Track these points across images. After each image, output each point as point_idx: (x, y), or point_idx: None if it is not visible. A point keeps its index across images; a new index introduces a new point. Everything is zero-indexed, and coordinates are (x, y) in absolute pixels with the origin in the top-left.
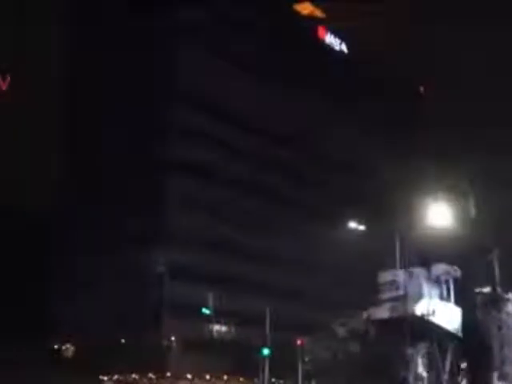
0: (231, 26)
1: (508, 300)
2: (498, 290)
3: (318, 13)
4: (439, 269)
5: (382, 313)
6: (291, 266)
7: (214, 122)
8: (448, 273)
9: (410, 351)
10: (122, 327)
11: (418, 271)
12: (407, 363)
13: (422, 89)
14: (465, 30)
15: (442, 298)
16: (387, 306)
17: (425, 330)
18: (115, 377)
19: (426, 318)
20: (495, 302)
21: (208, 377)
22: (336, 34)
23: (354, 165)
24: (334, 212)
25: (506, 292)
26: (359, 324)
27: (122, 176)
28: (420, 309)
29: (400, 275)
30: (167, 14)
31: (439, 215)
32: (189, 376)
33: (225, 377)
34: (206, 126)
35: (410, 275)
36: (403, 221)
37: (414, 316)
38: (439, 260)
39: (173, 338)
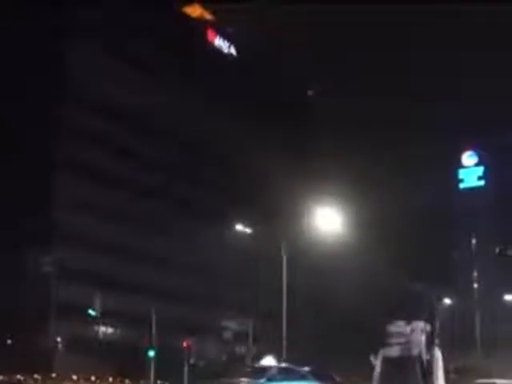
0: (123, 26)
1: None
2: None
3: (207, 15)
4: (419, 325)
5: (393, 352)
6: (179, 267)
7: (106, 122)
8: (423, 330)
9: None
10: (7, 328)
11: (415, 324)
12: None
13: (310, 92)
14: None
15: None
16: (396, 348)
17: (421, 365)
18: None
19: (425, 358)
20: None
21: (93, 378)
22: (225, 36)
23: (243, 168)
24: (224, 214)
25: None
26: (244, 327)
27: (12, 175)
28: (423, 352)
29: (403, 326)
30: (61, 12)
31: (326, 219)
32: (74, 377)
33: (110, 379)
34: (98, 126)
35: (410, 327)
36: (291, 224)
37: (418, 356)
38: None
39: (59, 339)
